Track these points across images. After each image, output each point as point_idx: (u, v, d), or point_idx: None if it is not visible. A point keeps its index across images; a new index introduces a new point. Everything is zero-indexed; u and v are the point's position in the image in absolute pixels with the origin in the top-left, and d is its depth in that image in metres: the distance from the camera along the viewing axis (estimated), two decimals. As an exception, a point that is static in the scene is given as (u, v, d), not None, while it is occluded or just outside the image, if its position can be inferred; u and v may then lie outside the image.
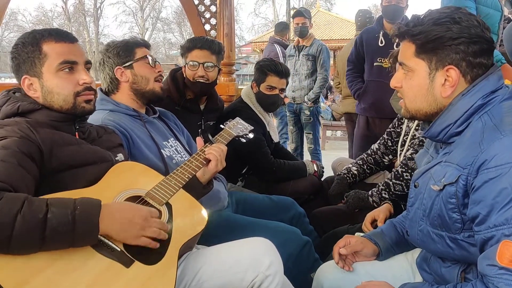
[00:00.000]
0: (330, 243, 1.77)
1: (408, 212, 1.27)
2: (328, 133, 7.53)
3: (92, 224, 1.08)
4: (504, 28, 2.50)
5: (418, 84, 1.14)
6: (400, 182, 2.05)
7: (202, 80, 2.22)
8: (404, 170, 2.05)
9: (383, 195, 2.09)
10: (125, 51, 1.78)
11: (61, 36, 1.34)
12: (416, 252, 1.41)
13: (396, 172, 2.08)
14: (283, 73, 2.56)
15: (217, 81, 2.37)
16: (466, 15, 1.09)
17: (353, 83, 3.53)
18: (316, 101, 4.63)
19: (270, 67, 2.54)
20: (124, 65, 1.77)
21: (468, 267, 1.12)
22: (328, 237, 2.03)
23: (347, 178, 2.40)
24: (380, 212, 1.91)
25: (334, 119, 7.60)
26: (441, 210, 1.09)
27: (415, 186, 1.23)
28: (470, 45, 1.07)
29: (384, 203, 1.99)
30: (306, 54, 4.58)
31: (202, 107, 2.37)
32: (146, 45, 1.84)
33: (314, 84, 4.59)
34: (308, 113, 4.67)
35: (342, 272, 1.39)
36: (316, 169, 2.64)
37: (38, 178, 1.18)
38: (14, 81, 1.39)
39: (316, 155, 4.79)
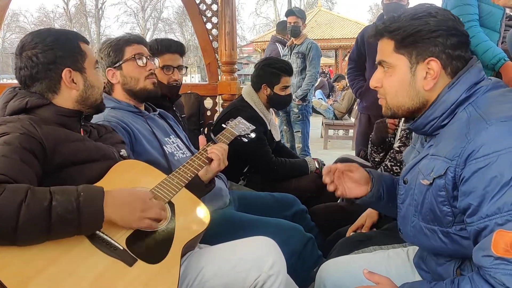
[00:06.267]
0: (334, 244, 1.77)
1: (399, 209, 1.26)
2: (330, 132, 7.51)
3: (97, 209, 1.08)
4: (506, 26, 2.49)
5: (400, 79, 1.15)
6: None
7: (176, 84, 2.21)
8: (393, 164, 2.06)
9: None
10: (115, 51, 1.75)
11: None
12: (416, 249, 1.40)
13: (385, 167, 2.08)
14: (292, 71, 2.70)
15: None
16: (441, 9, 1.12)
17: (355, 81, 3.52)
18: (304, 99, 4.58)
19: (284, 69, 2.61)
20: (114, 66, 1.76)
21: (462, 263, 1.12)
22: (331, 239, 2.02)
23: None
24: (367, 217, 1.91)
25: (336, 118, 7.59)
26: (432, 204, 1.09)
27: (404, 182, 1.22)
28: (448, 37, 1.08)
29: None
30: (296, 52, 4.58)
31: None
32: (139, 41, 1.80)
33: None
34: (297, 110, 4.63)
35: (345, 269, 1.38)
36: (317, 166, 2.62)
37: (41, 174, 1.18)
38: (15, 81, 1.41)
39: (304, 155, 4.53)
